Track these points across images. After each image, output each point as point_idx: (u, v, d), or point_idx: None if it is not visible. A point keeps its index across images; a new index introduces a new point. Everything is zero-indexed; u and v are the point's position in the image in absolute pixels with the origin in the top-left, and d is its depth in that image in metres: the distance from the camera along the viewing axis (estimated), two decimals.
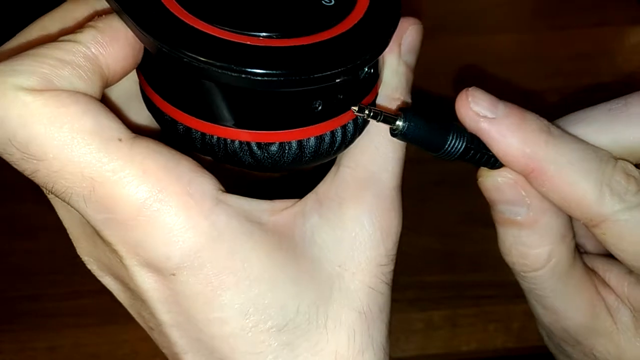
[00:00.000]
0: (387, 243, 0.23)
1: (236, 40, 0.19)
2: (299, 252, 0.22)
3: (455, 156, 0.23)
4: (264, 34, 0.20)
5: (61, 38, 0.19)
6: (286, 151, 0.21)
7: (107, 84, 0.20)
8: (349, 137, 0.23)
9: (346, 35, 0.20)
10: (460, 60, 0.58)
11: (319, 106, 0.21)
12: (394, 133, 0.22)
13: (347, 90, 0.21)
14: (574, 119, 0.23)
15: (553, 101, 0.55)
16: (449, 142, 0.22)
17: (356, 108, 0.21)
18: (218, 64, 0.19)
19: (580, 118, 0.23)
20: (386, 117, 0.21)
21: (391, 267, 0.23)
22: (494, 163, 0.23)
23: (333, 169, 0.24)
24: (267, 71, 0.19)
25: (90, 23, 0.20)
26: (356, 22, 0.21)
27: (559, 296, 0.25)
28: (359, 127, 0.23)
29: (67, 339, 0.45)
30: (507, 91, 0.56)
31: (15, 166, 0.19)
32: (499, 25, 0.64)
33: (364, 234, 0.22)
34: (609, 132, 0.23)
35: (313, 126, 0.21)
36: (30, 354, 0.45)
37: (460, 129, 0.23)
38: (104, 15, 0.20)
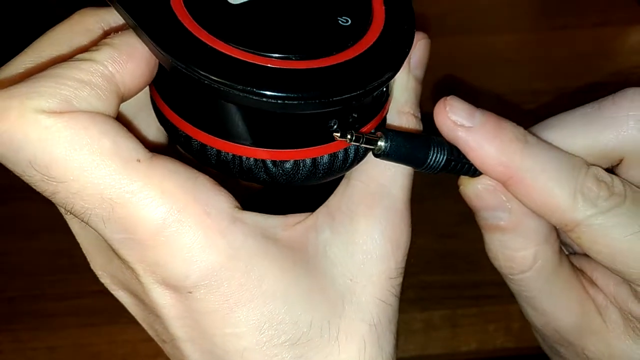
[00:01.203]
0: (397, 256, 0.23)
1: (255, 62, 0.19)
2: (312, 266, 0.22)
3: (438, 169, 0.23)
4: (283, 55, 0.20)
5: (77, 57, 0.19)
6: (300, 168, 0.22)
7: (122, 100, 0.20)
8: (361, 154, 0.23)
9: (363, 57, 0.20)
10: (459, 60, 0.58)
11: (334, 125, 0.21)
12: (377, 154, 0.22)
13: (361, 109, 0.22)
14: (550, 124, 0.24)
15: (553, 101, 0.55)
16: (430, 157, 0.23)
17: (339, 134, 0.21)
18: (238, 86, 0.19)
19: (556, 123, 0.24)
20: (368, 139, 0.22)
21: (400, 279, 0.24)
22: (474, 172, 0.24)
23: (344, 182, 0.24)
24: (287, 94, 0.19)
25: (105, 40, 0.20)
26: (373, 42, 0.21)
27: (548, 297, 0.25)
28: None
29: (67, 339, 0.45)
30: (507, 91, 0.56)
31: (34, 187, 0.19)
32: (499, 25, 0.64)
33: (375, 248, 0.23)
34: (584, 136, 0.23)
35: (327, 144, 0.22)
36: (30, 354, 0.45)
37: (440, 142, 0.23)
38: (119, 32, 0.20)
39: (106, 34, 0.21)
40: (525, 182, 0.22)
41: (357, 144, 0.21)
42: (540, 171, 0.22)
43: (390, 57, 0.21)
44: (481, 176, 0.24)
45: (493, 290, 0.46)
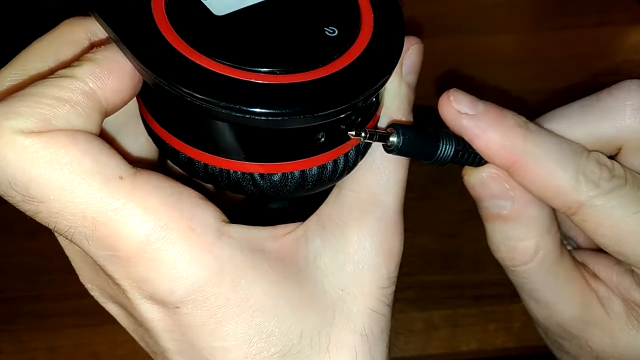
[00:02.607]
0: (389, 266, 0.23)
1: (239, 77, 0.19)
2: (302, 277, 0.22)
3: (447, 161, 0.23)
4: (268, 69, 0.19)
5: (58, 73, 0.19)
6: (289, 180, 0.21)
7: (105, 115, 0.20)
8: (350, 163, 0.23)
9: (350, 69, 0.20)
10: (460, 60, 0.58)
11: (322, 137, 0.21)
12: (389, 149, 0.22)
13: (349, 120, 0.22)
14: (550, 116, 0.25)
15: (553, 101, 0.55)
16: (440, 149, 0.23)
17: (353, 132, 0.21)
18: (222, 104, 0.18)
19: (556, 115, 0.25)
20: (381, 135, 0.22)
21: (392, 288, 0.23)
22: (480, 161, 0.24)
23: (335, 190, 0.24)
24: (272, 111, 0.18)
25: (87, 55, 0.20)
26: (360, 53, 0.21)
27: (550, 288, 0.26)
28: (361, 152, 0.23)
29: (67, 339, 0.45)
30: (507, 91, 0.56)
31: (17, 207, 0.19)
32: (499, 25, 0.64)
33: (366, 258, 0.23)
34: (583, 126, 0.24)
35: (316, 156, 0.21)
36: (30, 354, 0.45)
37: (448, 134, 0.23)
38: (102, 46, 0.20)
39: (93, 46, 0.21)
40: (529, 165, 0.23)
41: (371, 141, 0.22)
42: (543, 154, 0.22)
43: (377, 69, 0.21)
44: (485, 165, 0.24)
45: (494, 290, 0.46)
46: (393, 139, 0.22)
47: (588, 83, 0.57)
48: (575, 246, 0.29)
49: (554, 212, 0.25)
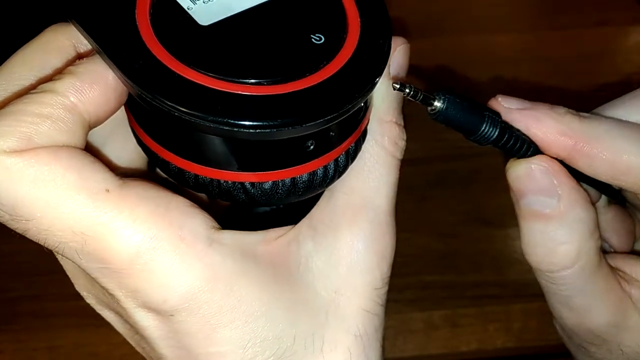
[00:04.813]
0: (382, 267, 0.23)
1: (226, 90, 0.19)
2: (294, 280, 0.22)
3: (491, 139, 0.23)
4: (254, 80, 0.19)
5: (39, 87, 0.19)
6: (279, 188, 0.21)
7: (90, 128, 0.20)
8: (341, 168, 0.22)
9: (337, 77, 0.20)
10: (460, 59, 0.58)
11: (311, 145, 0.21)
12: (432, 114, 0.22)
13: (338, 127, 0.21)
14: (603, 107, 0.24)
15: (553, 101, 0.55)
16: (485, 124, 0.23)
17: (397, 85, 0.21)
18: (209, 117, 0.18)
19: (608, 105, 0.24)
20: (425, 96, 0.22)
21: (386, 289, 0.23)
22: (525, 151, 0.23)
23: (326, 193, 0.24)
24: (260, 123, 0.18)
25: (69, 68, 0.19)
26: (347, 60, 0.20)
27: (587, 296, 0.25)
28: (351, 156, 0.23)
29: (67, 339, 0.45)
30: (507, 91, 0.56)
31: (6, 225, 0.19)
32: (499, 25, 0.64)
33: (359, 260, 0.23)
34: (638, 112, 0.23)
35: (306, 164, 0.21)
36: (30, 354, 0.45)
37: (497, 113, 0.23)
38: (85, 59, 0.20)
39: (80, 56, 0.21)
40: (592, 144, 0.22)
41: (414, 99, 0.21)
42: (604, 132, 0.22)
43: (365, 75, 0.20)
44: (535, 156, 0.24)
45: (493, 290, 0.45)
46: (437, 103, 0.22)
47: (588, 83, 0.57)
48: (609, 249, 0.28)
49: (596, 216, 0.24)
